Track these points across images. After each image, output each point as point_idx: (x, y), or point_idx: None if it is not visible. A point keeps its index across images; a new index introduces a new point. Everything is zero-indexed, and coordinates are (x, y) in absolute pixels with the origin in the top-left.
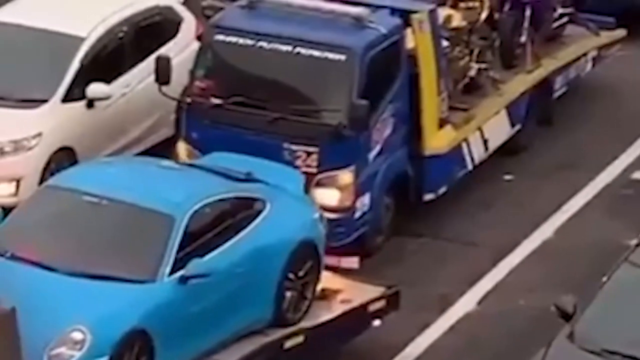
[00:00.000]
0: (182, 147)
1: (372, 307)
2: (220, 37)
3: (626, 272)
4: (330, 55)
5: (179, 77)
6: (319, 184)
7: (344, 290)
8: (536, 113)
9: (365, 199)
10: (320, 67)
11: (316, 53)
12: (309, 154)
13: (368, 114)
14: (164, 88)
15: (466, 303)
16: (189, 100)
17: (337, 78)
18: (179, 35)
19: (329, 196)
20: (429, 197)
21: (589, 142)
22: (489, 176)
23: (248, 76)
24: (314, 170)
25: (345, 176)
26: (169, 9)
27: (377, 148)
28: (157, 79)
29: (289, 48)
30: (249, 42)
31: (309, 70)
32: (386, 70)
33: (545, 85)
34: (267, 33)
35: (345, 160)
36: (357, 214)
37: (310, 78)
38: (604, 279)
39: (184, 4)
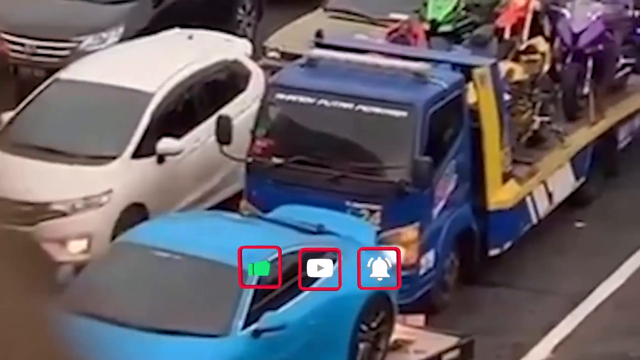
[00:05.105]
0: (244, 207)
1: (446, 357)
2: (281, 96)
3: None
4: (392, 112)
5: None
6: (382, 242)
7: (417, 341)
8: (601, 164)
9: (430, 256)
10: (381, 124)
11: (377, 110)
12: (372, 211)
13: (431, 170)
14: (225, 147)
15: (540, 351)
16: (249, 159)
17: (399, 135)
18: (249, 88)
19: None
20: (494, 252)
21: None
22: (560, 223)
23: (309, 135)
24: (378, 228)
25: (409, 233)
26: (238, 63)
27: (441, 204)
28: (218, 139)
29: (350, 105)
30: (310, 100)
31: (370, 127)
32: (448, 126)
33: (609, 136)
34: (328, 91)
35: (409, 217)
36: (422, 271)
37: (371, 135)
38: None
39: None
